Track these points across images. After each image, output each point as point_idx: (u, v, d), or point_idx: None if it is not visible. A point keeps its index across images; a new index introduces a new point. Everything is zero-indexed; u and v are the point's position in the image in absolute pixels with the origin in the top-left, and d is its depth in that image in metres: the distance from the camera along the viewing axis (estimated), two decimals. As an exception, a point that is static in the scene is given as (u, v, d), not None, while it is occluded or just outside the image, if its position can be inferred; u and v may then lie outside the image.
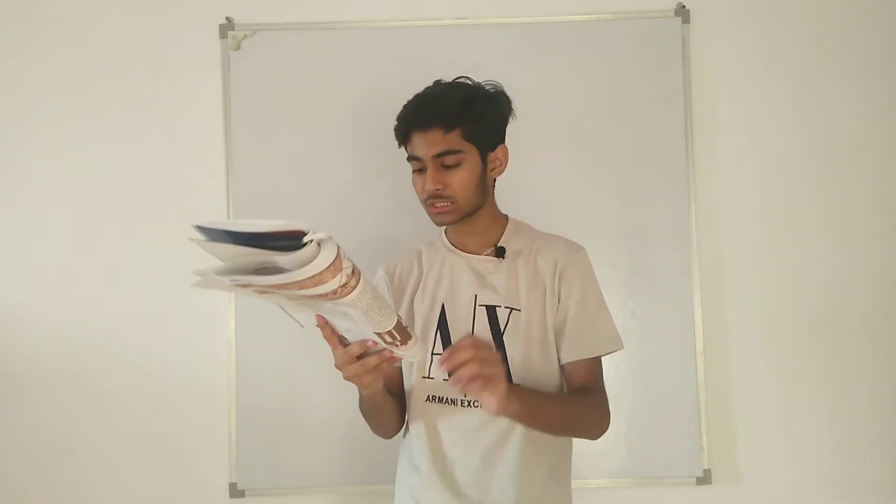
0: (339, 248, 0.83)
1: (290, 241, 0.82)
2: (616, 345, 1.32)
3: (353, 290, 0.87)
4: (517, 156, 1.75)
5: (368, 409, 1.30)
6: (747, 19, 1.82)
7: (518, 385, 1.24)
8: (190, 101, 1.82)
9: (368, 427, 1.36)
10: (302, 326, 1.08)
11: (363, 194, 1.78)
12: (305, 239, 0.81)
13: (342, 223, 1.77)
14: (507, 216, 1.40)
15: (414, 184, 1.33)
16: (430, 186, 1.27)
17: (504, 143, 1.36)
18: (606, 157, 1.78)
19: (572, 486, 1.44)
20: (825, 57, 1.81)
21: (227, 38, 1.80)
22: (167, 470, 1.79)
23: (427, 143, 1.27)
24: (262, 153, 1.79)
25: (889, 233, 1.80)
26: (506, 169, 1.37)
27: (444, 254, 1.37)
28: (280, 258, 0.83)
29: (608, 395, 1.32)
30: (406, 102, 1.34)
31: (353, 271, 0.86)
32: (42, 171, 1.82)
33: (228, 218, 1.76)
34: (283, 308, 1.03)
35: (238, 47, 1.80)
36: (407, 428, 1.37)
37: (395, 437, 1.39)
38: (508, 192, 1.73)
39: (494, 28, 1.79)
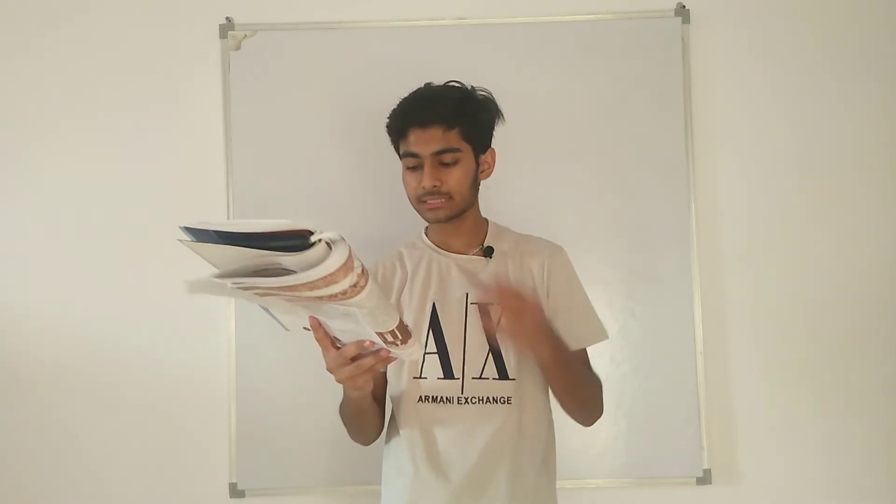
0: (350, 247, 0.82)
1: (294, 240, 0.80)
2: (603, 335, 1.39)
3: (363, 289, 0.86)
4: (517, 155, 1.76)
5: (354, 413, 1.30)
6: (747, 19, 1.82)
7: (552, 333, 1.24)
8: (190, 101, 1.82)
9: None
10: (286, 330, 1.06)
11: (364, 194, 1.78)
12: (313, 238, 0.79)
13: (343, 224, 1.76)
14: (486, 219, 1.42)
15: (406, 181, 1.34)
16: (429, 182, 1.28)
17: (491, 146, 1.39)
18: (606, 157, 1.78)
19: (572, 486, 1.46)
20: (825, 56, 1.81)
21: (227, 38, 1.80)
22: (167, 470, 1.79)
23: (427, 140, 1.28)
24: (262, 153, 1.79)
25: (889, 232, 1.80)
26: (492, 173, 1.40)
27: (430, 254, 1.37)
28: (285, 259, 0.81)
29: (605, 394, 1.39)
30: (400, 100, 1.35)
31: (362, 271, 0.85)
32: (42, 170, 1.82)
33: (228, 218, 1.76)
34: (267, 310, 1.01)
35: (238, 47, 1.80)
36: (394, 433, 1.36)
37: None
38: (509, 192, 1.74)
39: (494, 28, 1.79)
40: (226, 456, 1.77)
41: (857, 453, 1.78)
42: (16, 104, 1.82)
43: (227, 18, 1.81)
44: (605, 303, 1.75)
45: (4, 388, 1.80)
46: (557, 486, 1.36)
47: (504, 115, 1.40)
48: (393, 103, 1.37)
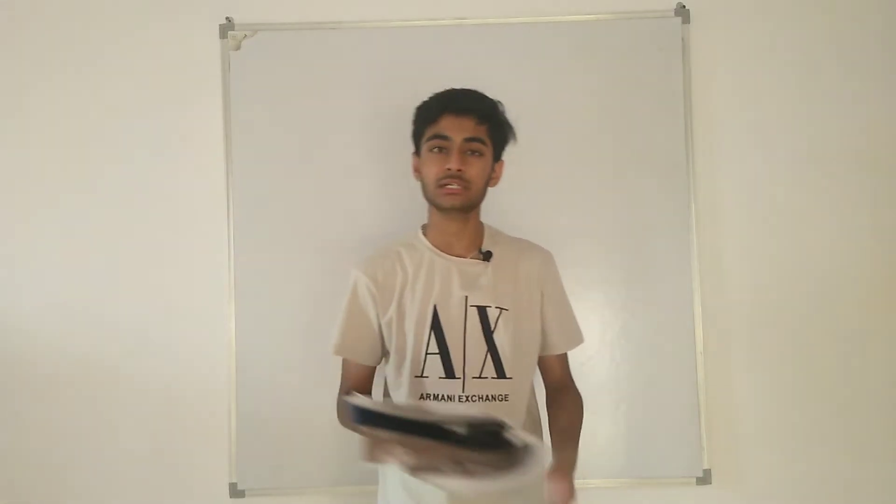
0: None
1: None
2: (581, 340, 1.48)
3: None
4: (517, 155, 1.75)
5: None
6: (747, 19, 1.82)
7: (565, 461, 1.29)
8: (190, 101, 1.82)
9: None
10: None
11: (363, 193, 1.77)
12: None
13: (343, 223, 1.77)
14: (482, 222, 1.45)
15: (427, 163, 1.35)
16: (455, 164, 1.31)
17: (501, 159, 1.44)
18: (606, 157, 1.78)
19: (572, 485, 1.47)
20: (824, 56, 1.81)
21: (227, 38, 1.80)
22: (167, 470, 1.79)
23: (461, 126, 1.33)
24: (262, 153, 1.79)
25: (889, 231, 1.80)
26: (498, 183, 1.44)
27: (430, 256, 1.39)
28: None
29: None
30: (435, 93, 1.39)
31: None
32: (42, 171, 1.82)
33: (228, 216, 1.76)
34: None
35: (238, 47, 1.80)
36: None
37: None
38: (509, 193, 1.73)
39: (494, 28, 1.79)
40: (226, 456, 1.76)
41: (857, 453, 1.78)
42: (15, 105, 1.82)
43: (227, 18, 1.81)
44: (605, 303, 1.75)
45: (5, 389, 1.80)
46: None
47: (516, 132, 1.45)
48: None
